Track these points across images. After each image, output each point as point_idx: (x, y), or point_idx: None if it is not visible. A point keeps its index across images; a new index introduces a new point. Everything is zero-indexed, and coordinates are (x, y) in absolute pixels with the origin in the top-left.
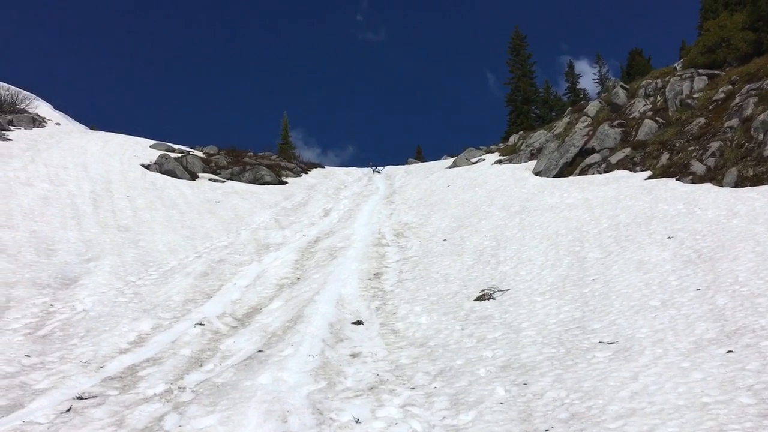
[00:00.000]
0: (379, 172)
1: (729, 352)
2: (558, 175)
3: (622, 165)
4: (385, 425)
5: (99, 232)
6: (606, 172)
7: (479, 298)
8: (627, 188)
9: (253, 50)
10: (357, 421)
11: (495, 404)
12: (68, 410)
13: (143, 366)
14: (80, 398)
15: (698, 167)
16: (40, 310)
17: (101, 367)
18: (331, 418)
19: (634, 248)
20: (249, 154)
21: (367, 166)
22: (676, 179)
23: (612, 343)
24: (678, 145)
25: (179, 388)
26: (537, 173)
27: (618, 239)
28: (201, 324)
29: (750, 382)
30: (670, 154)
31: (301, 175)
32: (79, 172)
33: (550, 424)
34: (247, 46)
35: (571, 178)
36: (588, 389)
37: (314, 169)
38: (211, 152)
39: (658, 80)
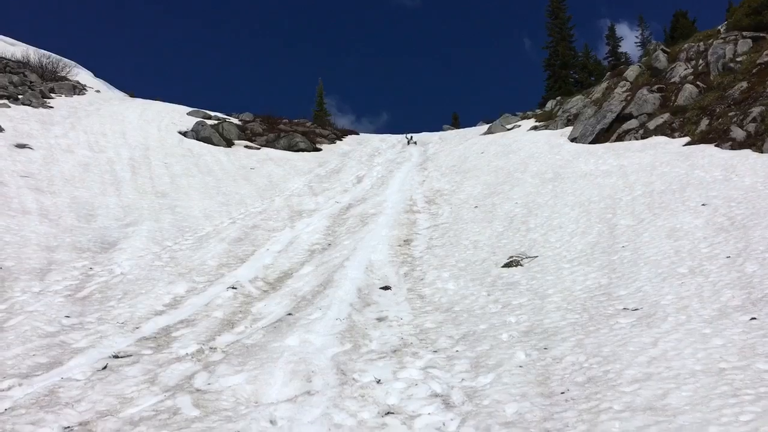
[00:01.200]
0: (415, 143)
1: (752, 319)
2: (594, 142)
3: (659, 131)
4: (406, 386)
5: (137, 198)
6: (643, 138)
7: (507, 265)
8: (663, 155)
9: (289, 18)
10: (378, 382)
11: (514, 367)
12: (104, 368)
13: (177, 327)
14: (116, 357)
15: (738, 133)
16: (80, 273)
17: (137, 327)
18: (353, 379)
19: (667, 215)
20: (284, 121)
21: (402, 134)
22: (715, 145)
23: (636, 309)
24: (718, 110)
25: (210, 348)
26: (572, 139)
27: (651, 206)
28: (234, 288)
29: None
30: (709, 119)
31: (335, 142)
32: (117, 139)
33: (566, 387)
34: (283, 13)
35: (607, 144)
36: (607, 354)
37: (348, 136)
38: (247, 119)
39: (701, 43)
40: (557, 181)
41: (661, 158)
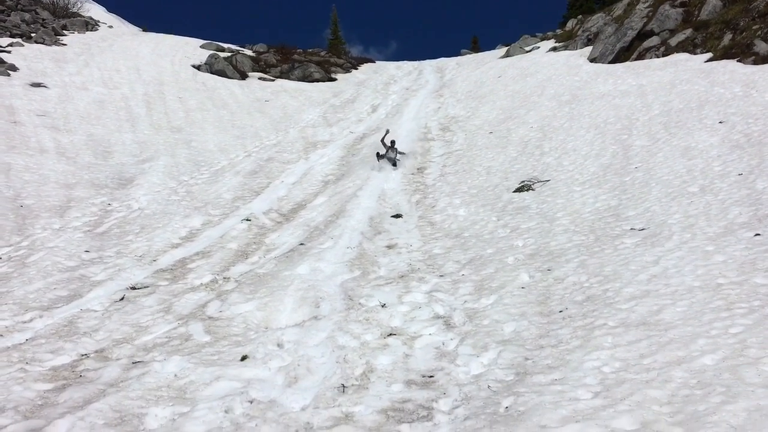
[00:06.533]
0: (395, 151)
1: (756, 235)
2: (614, 61)
3: (681, 47)
4: (409, 309)
5: (153, 134)
6: (664, 55)
7: (518, 190)
8: (684, 72)
9: None
10: (383, 306)
11: (516, 289)
12: (121, 299)
13: (193, 259)
14: (133, 288)
15: (762, 47)
16: (98, 209)
17: (154, 260)
18: (360, 303)
19: (683, 134)
20: (298, 51)
21: (420, 61)
22: (737, 61)
23: (642, 229)
24: (742, 24)
25: (224, 278)
26: (592, 60)
27: (667, 126)
28: (248, 220)
29: None
30: (733, 34)
31: (350, 71)
32: (131, 75)
33: (565, 306)
34: None
35: (627, 63)
36: (608, 273)
37: (364, 65)
38: (261, 51)
39: None
40: (574, 103)
41: (682, 76)
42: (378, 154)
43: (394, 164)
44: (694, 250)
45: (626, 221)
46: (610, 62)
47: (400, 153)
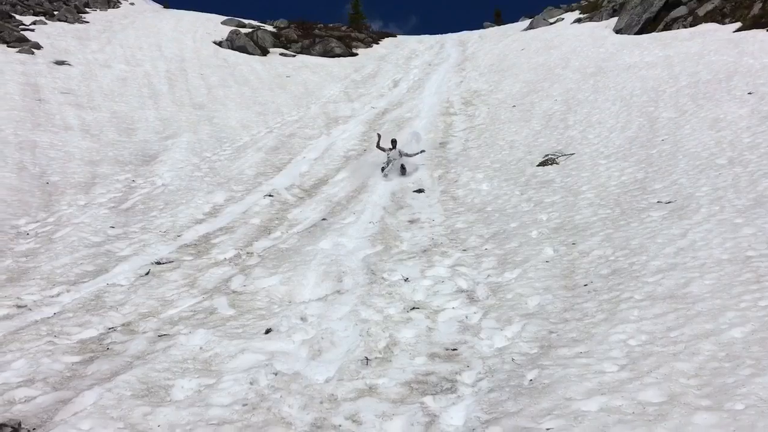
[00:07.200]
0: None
1: None
2: (640, 32)
3: (709, 17)
4: (432, 283)
5: (175, 111)
6: (692, 26)
7: (542, 164)
8: (712, 42)
9: None
10: (406, 280)
11: (540, 263)
12: (147, 274)
13: (216, 234)
14: (158, 263)
15: None
16: (123, 185)
17: (178, 236)
18: (382, 278)
19: (711, 106)
20: (319, 26)
21: (442, 35)
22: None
23: (669, 202)
24: None
25: (247, 253)
26: (617, 31)
27: (695, 97)
28: (270, 195)
29: None
30: (763, 2)
31: (371, 46)
32: (153, 52)
33: (590, 280)
34: None
35: (653, 34)
36: (634, 247)
37: (385, 39)
38: (281, 26)
39: None
40: (599, 75)
41: (710, 46)
42: (383, 168)
43: (403, 171)
44: (722, 222)
45: (653, 194)
46: (636, 33)
47: (407, 154)
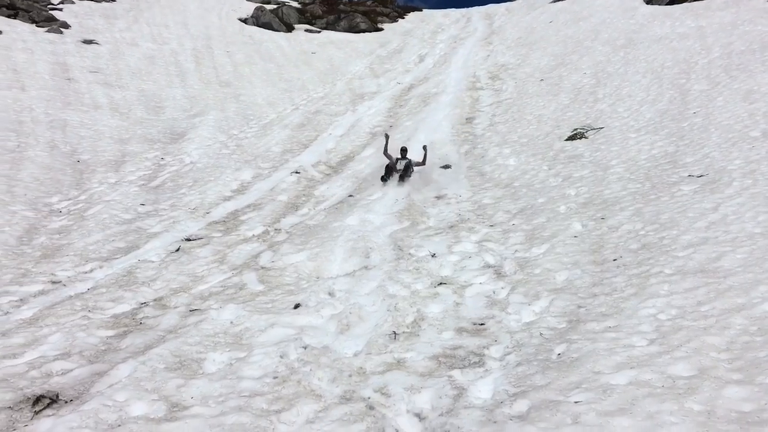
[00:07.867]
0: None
1: None
2: (671, 2)
3: None
4: (459, 258)
5: (202, 88)
6: None
7: (571, 138)
8: (746, 12)
9: None
10: (433, 256)
11: (568, 238)
12: (177, 250)
13: (244, 211)
14: (188, 240)
15: None
16: (152, 163)
17: (207, 212)
18: (409, 254)
19: (744, 77)
20: (344, 1)
21: (468, 8)
22: None
23: (701, 176)
24: None
25: (275, 230)
26: (648, 2)
27: (728, 69)
28: (297, 172)
29: None
30: None
31: (397, 21)
32: (180, 30)
33: (619, 254)
34: None
35: (685, 4)
36: (665, 221)
37: (411, 14)
38: (306, 2)
39: None
40: (629, 47)
41: (744, 16)
42: (382, 177)
43: (402, 181)
44: (755, 196)
45: (684, 168)
46: (667, 4)
47: (417, 163)
